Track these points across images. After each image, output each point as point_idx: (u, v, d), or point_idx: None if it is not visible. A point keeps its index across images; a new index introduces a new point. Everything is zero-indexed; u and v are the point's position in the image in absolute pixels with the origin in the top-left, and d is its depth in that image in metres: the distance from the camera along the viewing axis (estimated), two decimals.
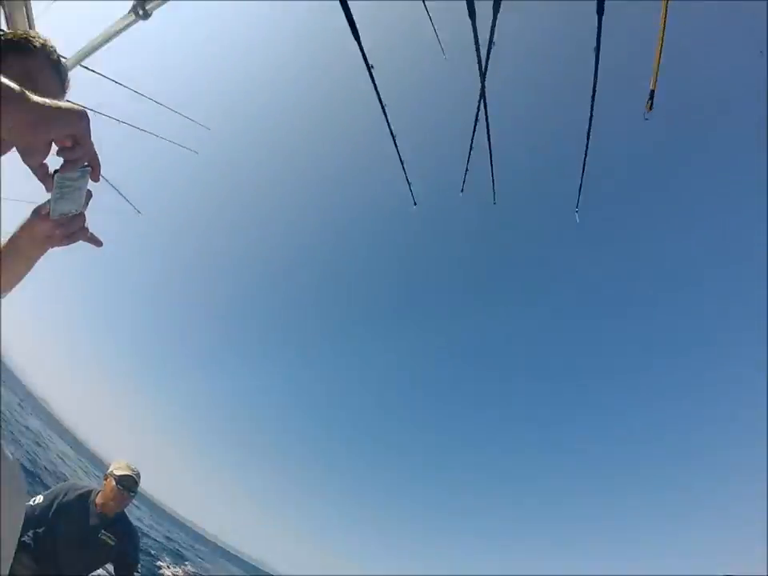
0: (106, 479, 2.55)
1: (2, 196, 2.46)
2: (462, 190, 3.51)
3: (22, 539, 2.39)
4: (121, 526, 2.62)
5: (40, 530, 2.41)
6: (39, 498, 2.43)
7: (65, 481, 2.65)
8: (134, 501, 2.78)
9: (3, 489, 0.83)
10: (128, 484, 2.51)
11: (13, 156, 0.77)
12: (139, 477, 2.56)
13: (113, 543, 2.54)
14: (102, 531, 2.52)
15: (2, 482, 0.83)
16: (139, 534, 2.82)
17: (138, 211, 4.04)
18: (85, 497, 2.53)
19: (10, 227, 0.90)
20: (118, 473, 2.51)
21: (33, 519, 2.36)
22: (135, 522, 3.06)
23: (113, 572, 2.72)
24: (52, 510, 2.40)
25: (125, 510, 2.65)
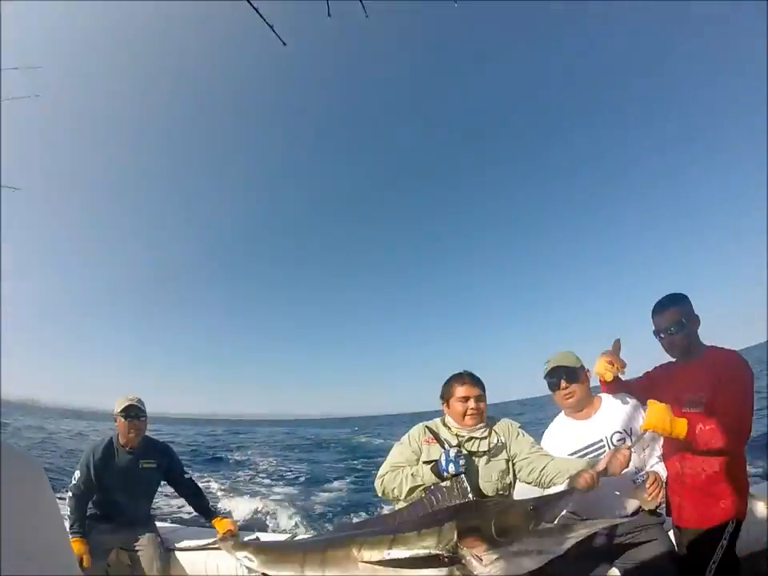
0: (115, 420, 2.74)
1: None
2: (329, 14, 3.33)
3: (89, 513, 2.70)
4: (150, 448, 2.87)
5: (95, 498, 2.70)
6: (77, 474, 2.66)
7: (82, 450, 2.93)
8: None
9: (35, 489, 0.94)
10: (132, 412, 2.71)
11: None
12: (140, 401, 2.77)
13: (155, 465, 2.81)
14: (140, 462, 2.77)
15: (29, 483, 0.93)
16: (169, 445, 3.08)
17: None
18: (109, 446, 2.74)
19: None
20: (120, 408, 2.69)
21: (84, 493, 2.64)
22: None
23: (176, 493, 3.04)
24: (93, 475, 2.64)
25: (147, 434, 2.87)
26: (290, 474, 14.97)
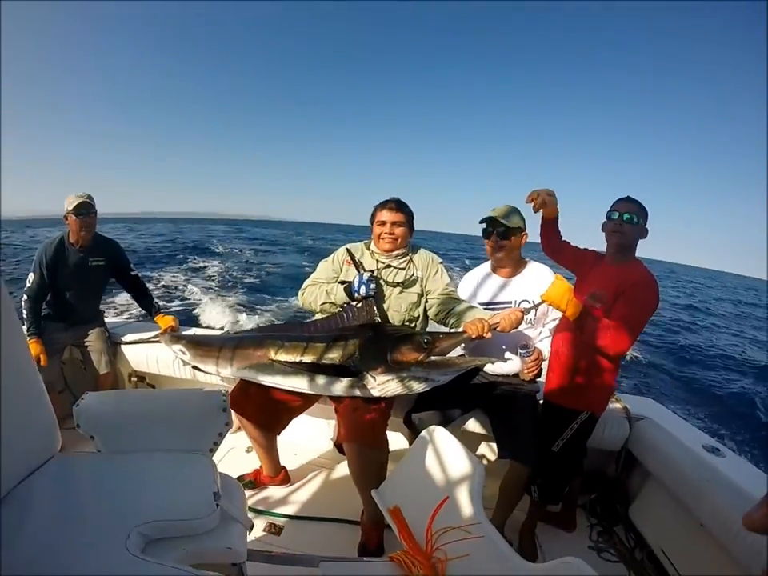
0: (65, 219, 2.75)
1: None
2: None
3: (43, 313, 2.76)
4: (99, 245, 2.92)
5: (48, 298, 2.77)
6: (30, 276, 2.69)
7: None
8: None
9: None
10: (83, 209, 2.72)
11: None
12: (90, 197, 2.77)
13: (103, 262, 2.91)
14: (89, 260, 2.85)
15: None
16: (116, 241, 3.11)
17: None
18: (60, 245, 2.76)
19: None
20: (71, 206, 2.70)
21: (38, 294, 2.69)
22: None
23: (125, 289, 3.12)
24: (46, 275, 2.69)
25: (97, 232, 2.89)
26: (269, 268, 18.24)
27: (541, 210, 2.09)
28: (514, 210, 2.19)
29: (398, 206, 2.19)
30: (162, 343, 2.78)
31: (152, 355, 2.93)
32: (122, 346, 3.03)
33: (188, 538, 1.12)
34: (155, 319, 2.99)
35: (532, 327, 2.19)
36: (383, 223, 2.18)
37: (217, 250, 23.14)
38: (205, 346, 2.36)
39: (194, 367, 2.41)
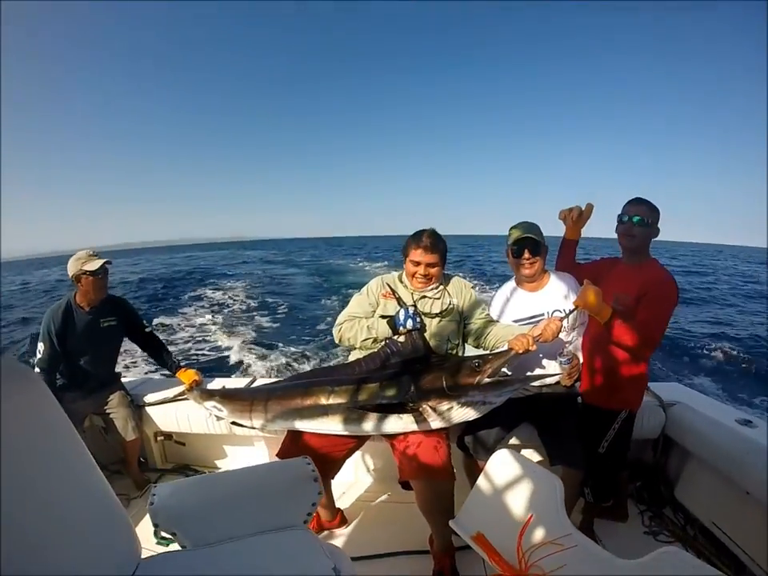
0: (77, 280, 2.61)
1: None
2: None
3: (58, 384, 2.62)
4: (108, 304, 2.79)
5: (62, 366, 2.62)
6: (40, 346, 2.53)
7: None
8: None
9: None
10: (101, 269, 2.62)
11: None
12: (99, 255, 2.65)
13: (115, 322, 2.78)
14: (100, 321, 2.72)
15: None
16: (125, 299, 3.03)
17: None
18: (67, 309, 2.62)
19: None
20: (87, 266, 2.57)
21: (51, 365, 2.54)
22: None
23: (140, 348, 3.01)
24: (56, 343, 2.54)
25: (107, 292, 2.77)
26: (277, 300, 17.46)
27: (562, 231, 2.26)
28: (534, 225, 2.25)
29: (433, 245, 2.14)
30: (190, 400, 2.69)
31: (182, 413, 2.83)
32: (147, 408, 2.92)
33: None
34: (176, 375, 2.89)
35: (565, 333, 2.24)
36: (417, 264, 2.15)
37: (226, 277, 24.21)
38: (242, 400, 2.29)
39: (233, 423, 2.34)
